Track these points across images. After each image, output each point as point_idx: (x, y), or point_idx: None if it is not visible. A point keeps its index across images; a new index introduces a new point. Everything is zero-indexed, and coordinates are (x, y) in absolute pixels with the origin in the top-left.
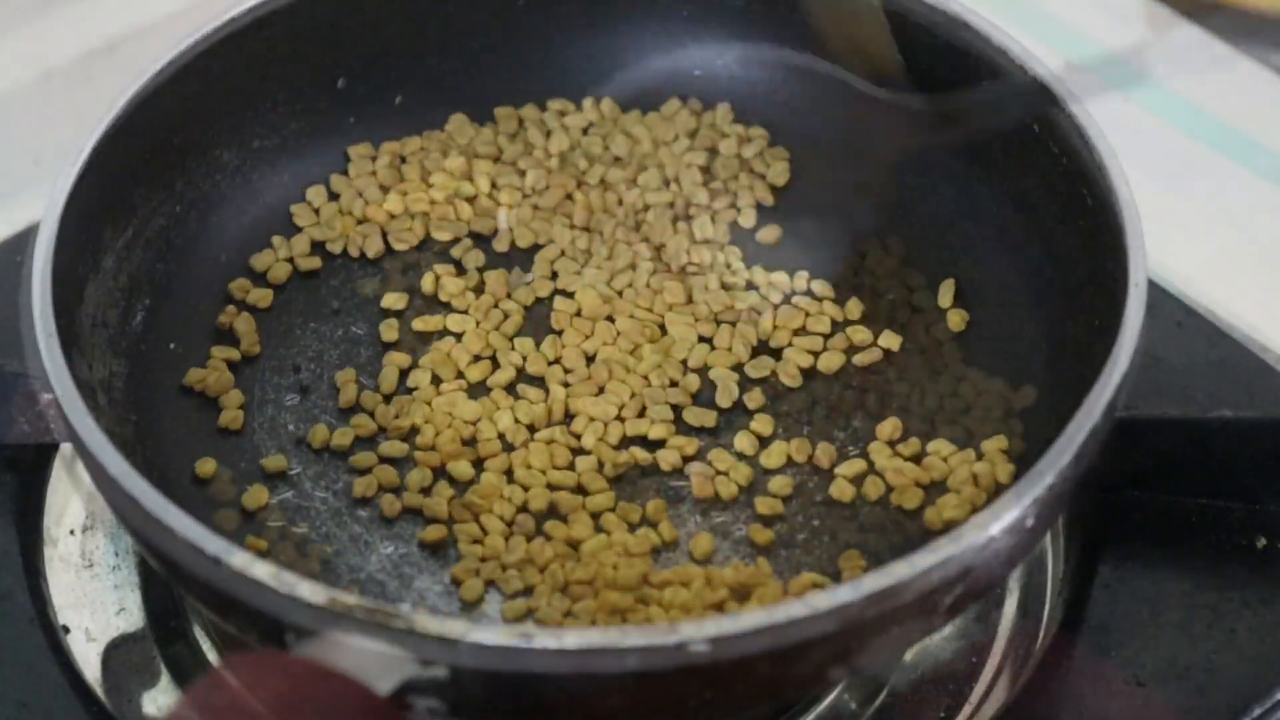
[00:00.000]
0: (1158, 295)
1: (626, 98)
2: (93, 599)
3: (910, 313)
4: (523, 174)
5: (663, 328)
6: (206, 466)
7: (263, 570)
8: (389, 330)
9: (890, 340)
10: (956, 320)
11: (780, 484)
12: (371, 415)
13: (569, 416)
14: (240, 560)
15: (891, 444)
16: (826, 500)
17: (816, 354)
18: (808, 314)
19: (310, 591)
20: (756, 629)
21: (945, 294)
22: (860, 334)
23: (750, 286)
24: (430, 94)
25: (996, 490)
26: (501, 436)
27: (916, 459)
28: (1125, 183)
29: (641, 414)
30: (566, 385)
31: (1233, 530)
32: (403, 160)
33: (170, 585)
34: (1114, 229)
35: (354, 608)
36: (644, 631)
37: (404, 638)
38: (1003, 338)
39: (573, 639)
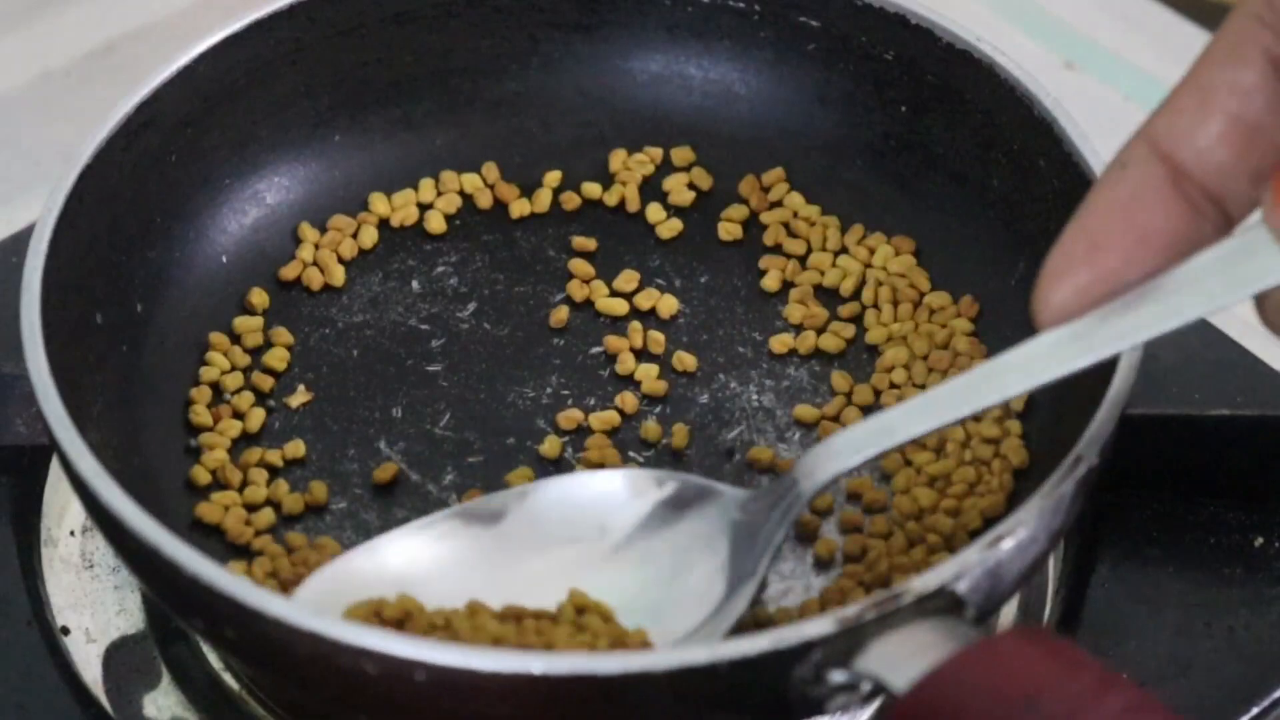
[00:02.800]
0: None
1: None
2: (93, 600)
3: (926, 313)
4: None
5: None
6: (202, 475)
7: (243, 587)
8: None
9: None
10: (968, 316)
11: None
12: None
13: None
14: (221, 578)
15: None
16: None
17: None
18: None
19: (283, 609)
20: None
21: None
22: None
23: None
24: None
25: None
26: None
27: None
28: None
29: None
30: None
31: (1230, 530)
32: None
33: None
34: None
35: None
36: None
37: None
38: (1001, 338)
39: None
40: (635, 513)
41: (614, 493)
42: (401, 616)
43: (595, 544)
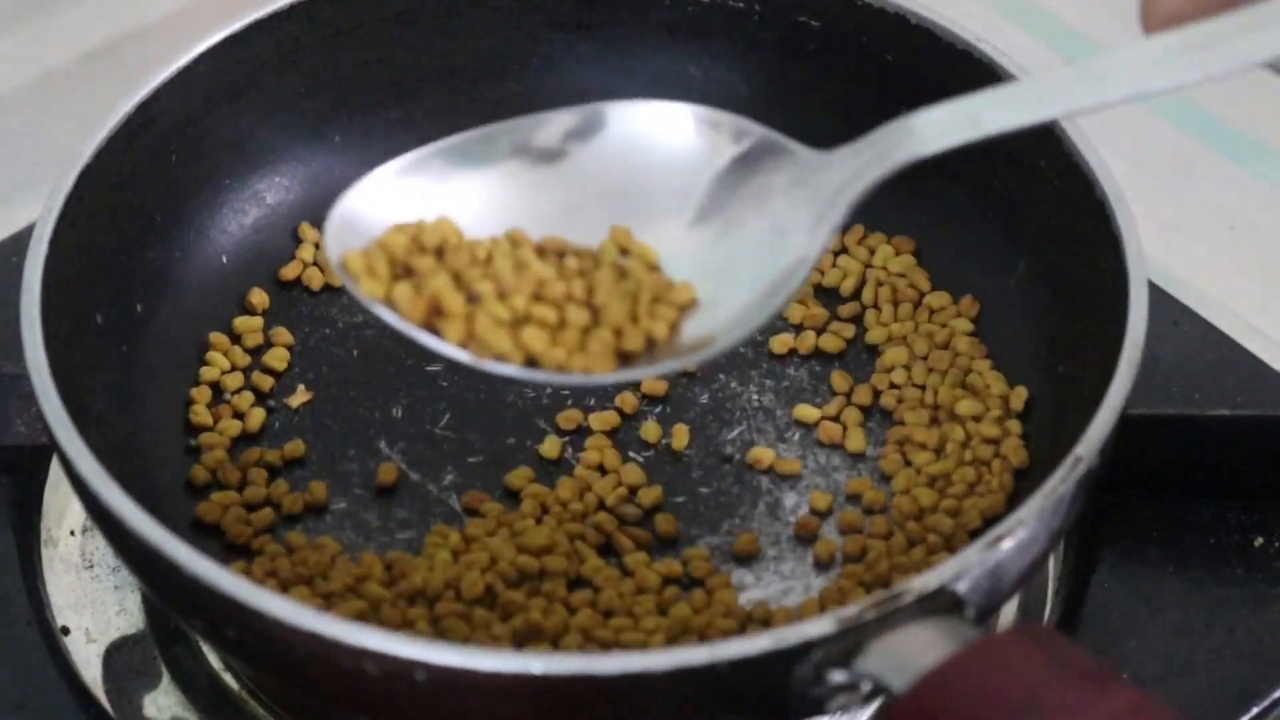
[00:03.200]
0: (1155, 294)
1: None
2: (93, 600)
3: (926, 313)
4: None
5: None
6: (202, 475)
7: (243, 587)
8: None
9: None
10: (968, 316)
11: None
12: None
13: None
14: (221, 578)
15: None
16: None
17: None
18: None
19: (283, 609)
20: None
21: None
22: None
23: None
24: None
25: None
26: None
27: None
28: (1116, 183)
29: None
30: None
31: (1230, 530)
32: None
33: None
34: (1111, 233)
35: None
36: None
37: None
38: (1001, 338)
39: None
40: (700, 164)
41: (684, 142)
42: (440, 244)
43: (653, 191)
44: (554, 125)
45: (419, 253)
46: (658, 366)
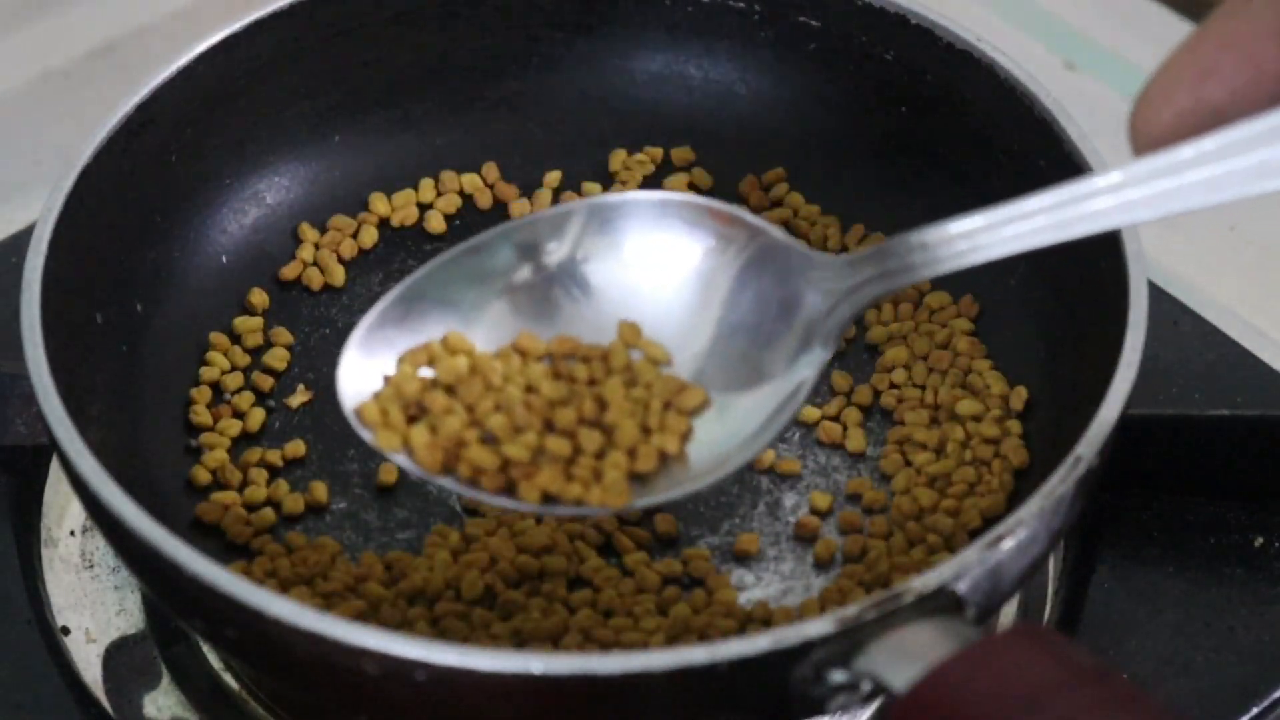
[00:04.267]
0: (1155, 294)
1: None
2: (93, 600)
3: (926, 313)
4: None
5: None
6: (202, 475)
7: (243, 587)
8: None
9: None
10: (968, 316)
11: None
12: None
13: None
14: (221, 578)
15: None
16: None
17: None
18: None
19: (283, 609)
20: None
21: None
22: (876, 332)
23: None
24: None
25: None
26: None
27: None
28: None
29: None
30: None
31: (1230, 529)
32: None
33: None
34: (1111, 233)
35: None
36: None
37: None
38: (1001, 338)
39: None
40: (709, 264)
41: (693, 239)
42: (454, 381)
43: (661, 288)
44: (558, 224)
45: (431, 388)
46: (671, 492)
